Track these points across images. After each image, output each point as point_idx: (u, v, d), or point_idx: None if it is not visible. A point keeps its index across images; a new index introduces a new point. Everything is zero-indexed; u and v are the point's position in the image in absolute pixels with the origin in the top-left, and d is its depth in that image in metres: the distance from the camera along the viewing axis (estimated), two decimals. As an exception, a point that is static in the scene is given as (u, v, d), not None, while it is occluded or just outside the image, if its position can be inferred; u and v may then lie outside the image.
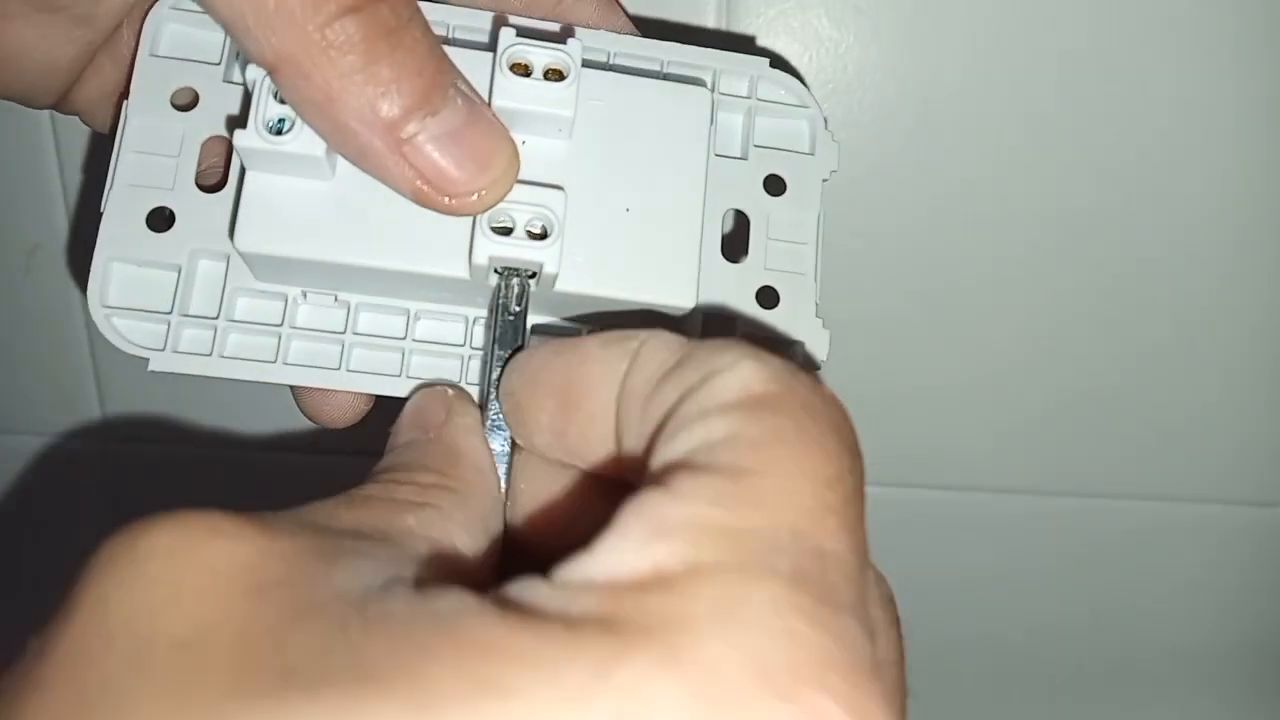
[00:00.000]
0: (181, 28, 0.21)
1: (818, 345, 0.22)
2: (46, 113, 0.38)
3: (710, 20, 0.34)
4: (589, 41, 0.21)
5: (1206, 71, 0.33)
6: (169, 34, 0.21)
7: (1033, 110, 0.34)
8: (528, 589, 0.11)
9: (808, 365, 0.22)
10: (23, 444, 0.45)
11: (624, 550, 0.11)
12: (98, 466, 0.45)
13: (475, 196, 0.18)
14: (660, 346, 0.15)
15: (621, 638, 0.10)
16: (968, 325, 0.37)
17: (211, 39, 0.21)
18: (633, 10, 0.34)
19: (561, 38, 0.19)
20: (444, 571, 0.14)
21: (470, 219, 0.18)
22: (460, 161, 0.17)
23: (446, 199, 0.18)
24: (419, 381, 0.20)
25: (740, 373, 0.13)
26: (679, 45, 0.22)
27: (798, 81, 0.23)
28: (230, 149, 0.21)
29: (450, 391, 0.19)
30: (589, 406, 0.15)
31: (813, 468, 0.13)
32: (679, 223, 0.20)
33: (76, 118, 0.24)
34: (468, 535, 0.15)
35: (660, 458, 0.13)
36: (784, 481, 0.12)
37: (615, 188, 0.19)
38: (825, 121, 0.23)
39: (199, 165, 0.21)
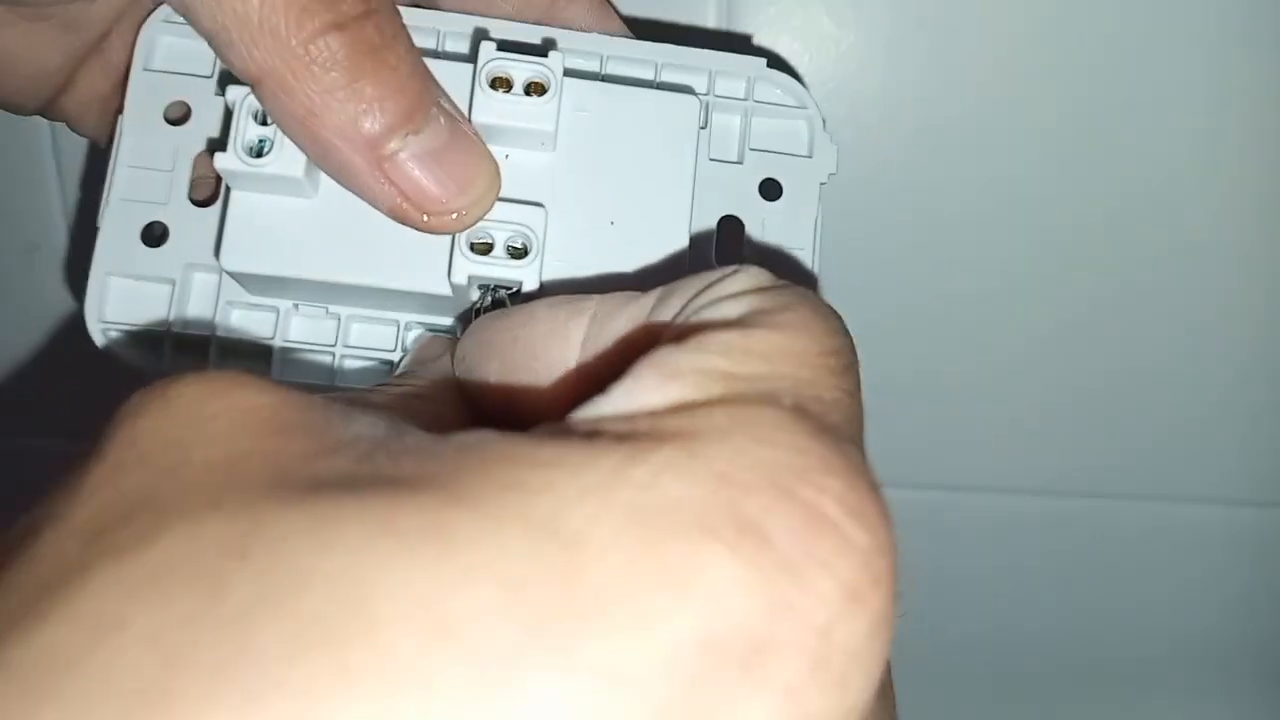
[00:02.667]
0: (174, 39, 0.21)
1: None
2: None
3: (710, 17, 0.34)
4: (580, 45, 0.21)
5: (1210, 72, 0.33)
6: (162, 46, 0.21)
7: (1036, 109, 0.34)
8: (546, 428, 0.12)
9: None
10: (23, 444, 0.45)
11: (639, 390, 0.12)
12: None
13: (454, 216, 0.18)
14: (625, 298, 0.15)
15: (639, 444, 0.11)
16: (968, 325, 0.37)
17: (203, 51, 0.21)
18: (632, 9, 0.34)
19: (543, 50, 0.19)
20: None
21: (450, 240, 0.18)
22: (441, 180, 0.17)
23: (425, 217, 0.18)
24: None
25: (745, 275, 0.14)
26: (673, 47, 0.22)
27: (795, 82, 0.23)
28: None
29: (449, 338, 0.20)
30: (535, 366, 0.15)
31: (816, 337, 0.14)
32: (665, 235, 0.19)
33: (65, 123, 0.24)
34: None
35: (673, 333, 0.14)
36: (790, 342, 0.13)
37: (599, 201, 0.19)
38: (824, 122, 0.23)
39: (192, 176, 0.21)
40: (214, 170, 0.20)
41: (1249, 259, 0.35)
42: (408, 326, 0.21)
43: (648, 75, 0.22)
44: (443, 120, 0.18)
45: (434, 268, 0.19)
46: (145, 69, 0.21)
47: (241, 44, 0.16)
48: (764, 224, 0.22)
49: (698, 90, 0.21)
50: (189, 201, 0.20)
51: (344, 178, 0.18)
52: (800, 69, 0.35)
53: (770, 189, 0.22)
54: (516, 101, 0.19)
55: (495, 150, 0.19)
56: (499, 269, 0.18)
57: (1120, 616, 0.41)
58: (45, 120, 0.36)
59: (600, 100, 0.20)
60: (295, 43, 0.16)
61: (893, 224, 0.36)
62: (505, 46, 0.19)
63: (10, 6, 0.20)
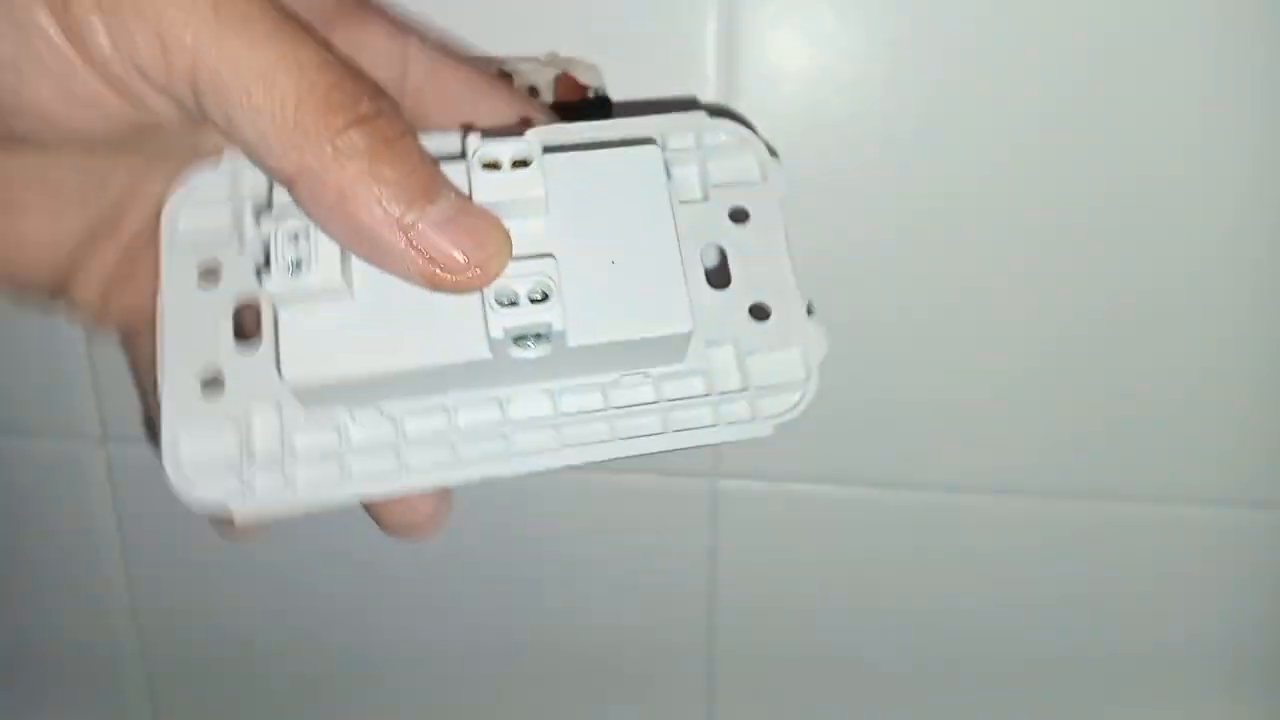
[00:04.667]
0: (193, 210, 0.23)
1: (815, 342, 0.24)
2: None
3: (712, 17, 0.34)
4: (544, 136, 0.23)
5: (1209, 73, 0.33)
6: (183, 220, 0.23)
7: (1037, 106, 0.34)
8: None
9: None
10: (23, 445, 0.45)
11: None
12: (98, 466, 0.45)
13: (478, 271, 0.20)
14: None
15: None
16: (969, 325, 0.37)
17: (219, 214, 0.23)
18: (631, 18, 0.34)
19: (520, 131, 0.22)
20: None
21: (480, 306, 0.21)
22: (460, 242, 0.20)
23: (452, 277, 0.20)
24: (472, 468, 0.23)
25: None
26: (623, 120, 0.24)
27: (735, 122, 0.25)
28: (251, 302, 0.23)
29: None
30: None
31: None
32: (660, 261, 0.22)
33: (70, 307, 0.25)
34: None
35: None
36: None
37: (597, 247, 0.22)
38: (770, 149, 0.25)
39: (234, 314, 0.23)
40: (251, 304, 0.23)
41: (1248, 259, 0.35)
42: (456, 408, 0.23)
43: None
44: (452, 194, 0.21)
45: (470, 337, 0.21)
46: (172, 243, 0.23)
47: (279, 145, 0.19)
48: (741, 246, 0.24)
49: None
50: (235, 347, 0.23)
51: (377, 255, 0.20)
52: (801, 66, 0.35)
53: (739, 215, 0.25)
54: (507, 175, 0.21)
55: None
56: (528, 316, 0.20)
57: (1119, 616, 0.41)
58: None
59: (575, 165, 0.22)
60: (324, 140, 0.19)
61: (893, 220, 0.36)
62: (488, 134, 0.22)
63: (35, 188, 0.22)
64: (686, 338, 0.22)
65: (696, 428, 0.23)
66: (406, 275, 0.20)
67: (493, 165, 0.21)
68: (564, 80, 0.35)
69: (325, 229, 0.20)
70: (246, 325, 0.23)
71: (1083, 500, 0.39)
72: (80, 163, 0.22)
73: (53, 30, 0.19)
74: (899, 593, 0.42)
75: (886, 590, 0.42)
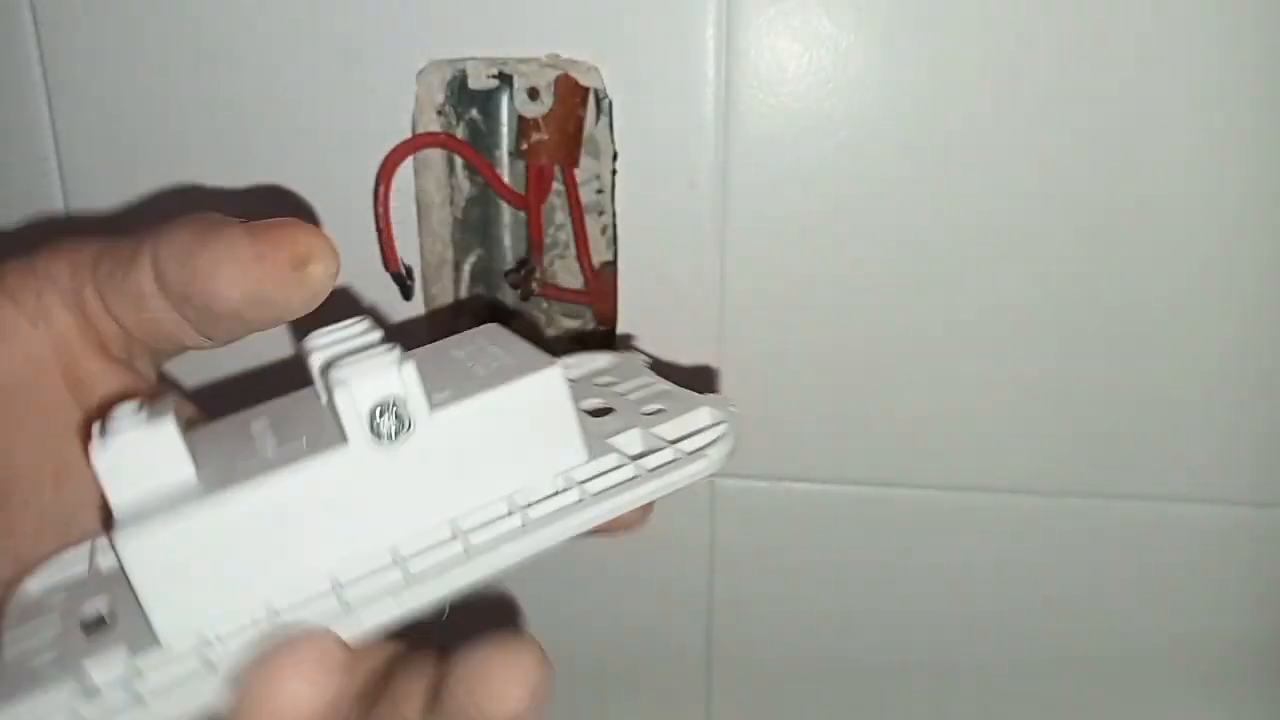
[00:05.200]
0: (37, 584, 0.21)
1: (720, 402, 0.23)
2: (46, 113, 0.38)
3: (711, 20, 0.34)
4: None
5: (1208, 73, 0.33)
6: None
7: (1033, 107, 0.34)
8: None
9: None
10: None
11: None
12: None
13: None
14: None
15: None
16: (967, 325, 0.37)
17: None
18: (632, 21, 0.34)
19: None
20: None
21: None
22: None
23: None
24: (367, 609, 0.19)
25: None
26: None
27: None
28: None
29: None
30: None
31: None
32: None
33: None
34: None
35: None
36: None
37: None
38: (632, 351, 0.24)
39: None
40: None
41: (1248, 260, 0.36)
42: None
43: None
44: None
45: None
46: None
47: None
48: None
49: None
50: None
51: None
52: (800, 69, 0.35)
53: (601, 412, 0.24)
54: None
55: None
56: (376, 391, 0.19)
57: (1119, 615, 0.41)
58: (49, 133, 0.36)
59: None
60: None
61: (892, 222, 0.36)
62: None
63: None
64: (572, 415, 0.21)
65: (620, 484, 0.21)
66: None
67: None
68: (564, 81, 0.35)
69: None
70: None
71: (1083, 500, 0.39)
72: None
73: None
74: (898, 592, 0.42)
75: (885, 589, 0.42)
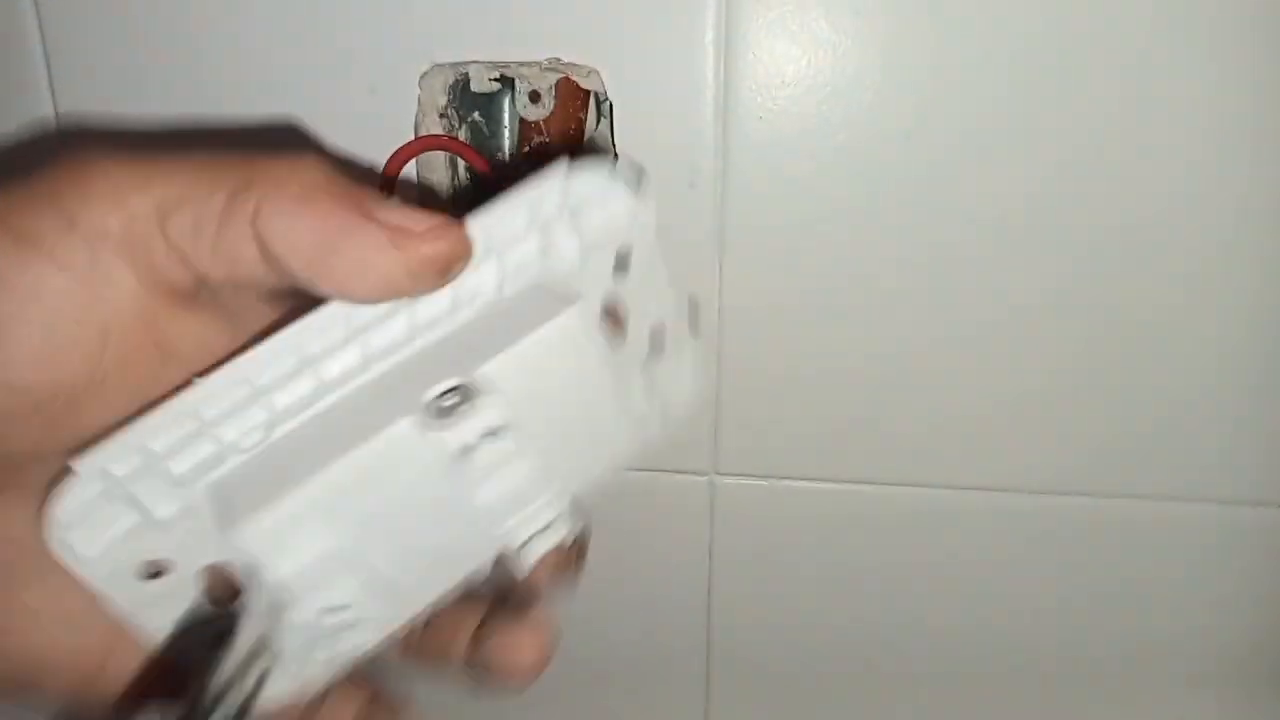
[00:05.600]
0: (82, 532, 0.20)
1: (696, 364, 0.26)
2: (48, 115, 0.38)
3: (710, 24, 0.35)
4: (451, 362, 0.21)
5: (1206, 73, 0.34)
6: (81, 546, 0.20)
7: (1028, 110, 0.34)
8: None
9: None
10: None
11: None
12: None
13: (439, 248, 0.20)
14: None
15: None
16: (965, 324, 0.37)
17: (109, 515, 0.20)
18: (632, 25, 0.35)
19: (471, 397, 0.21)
20: None
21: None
22: (414, 218, 0.20)
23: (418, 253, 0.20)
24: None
25: None
26: (495, 205, 0.22)
27: (595, 167, 0.23)
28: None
29: None
30: None
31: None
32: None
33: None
34: None
35: None
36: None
37: (554, 424, 0.22)
38: (635, 173, 0.24)
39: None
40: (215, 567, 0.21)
41: (1248, 261, 0.36)
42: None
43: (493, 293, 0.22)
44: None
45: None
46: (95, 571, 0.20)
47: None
48: (628, 295, 0.24)
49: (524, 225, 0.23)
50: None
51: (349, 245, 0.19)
52: (798, 72, 0.35)
53: (621, 263, 0.24)
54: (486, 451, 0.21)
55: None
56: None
57: (1119, 614, 0.41)
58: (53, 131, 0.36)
59: (514, 364, 0.21)
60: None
61: (889, 225, 0.36)
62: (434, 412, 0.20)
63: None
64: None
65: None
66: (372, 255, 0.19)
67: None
68: (565, 84, 0.36)
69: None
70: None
71: (1083, 500, 0.39)
72: None
73: None
74: (897, 591, 0.42)
75: (884, 589, 0.42)
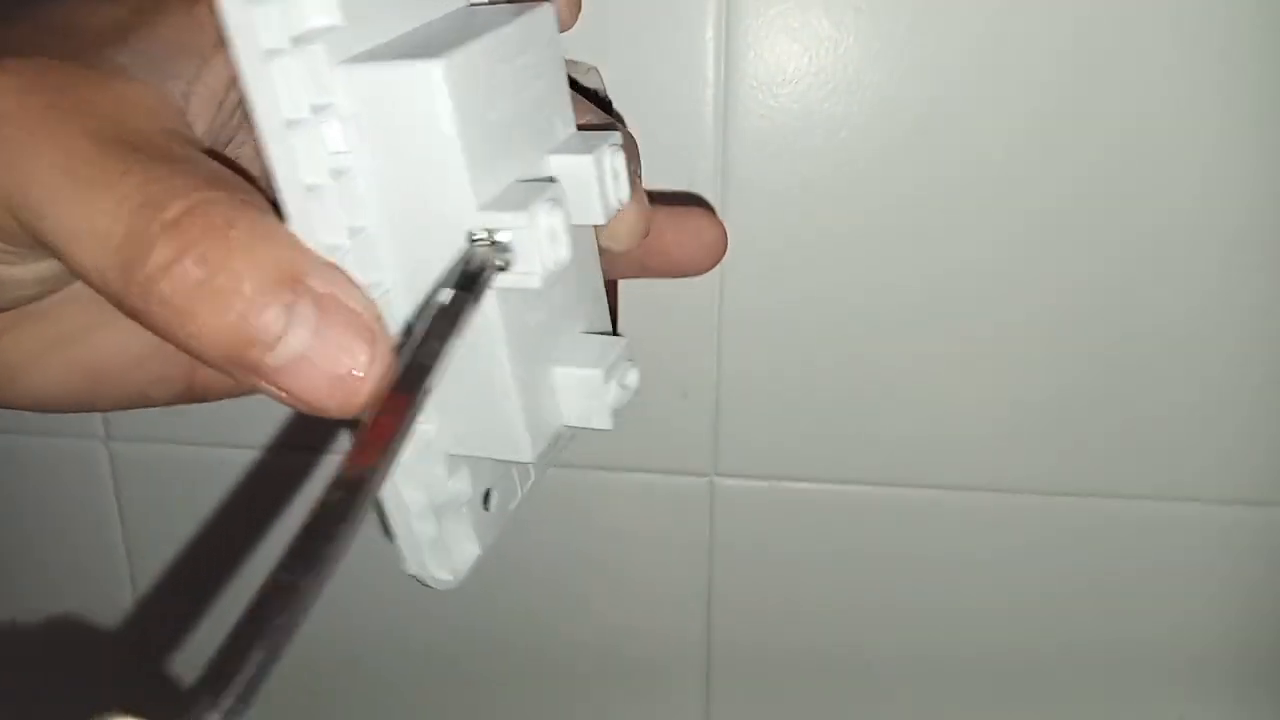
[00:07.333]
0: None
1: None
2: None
3: (710, 20, 0.34)
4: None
5: (1205, 73, 0.33)
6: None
7: (1030, 108, 0.34)
8: None
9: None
10: (23, 444, 0.45)
11: None
12: (98, 466, 0.45)
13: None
14: None
15: None
16: (966, 324, 0.37)
17: None
18: (631, 22, 0.35)
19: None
20: None
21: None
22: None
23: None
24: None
25: None
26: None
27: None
28: None
29: None
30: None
31: None
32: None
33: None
34: None
35: None
36: None
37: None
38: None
39: None
40: None
41: (1248, 261, 0.36)
42: None
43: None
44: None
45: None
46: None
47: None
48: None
49: None
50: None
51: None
52: (798, 70, 0.35)
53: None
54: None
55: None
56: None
57: (1119, 614, 0.41)
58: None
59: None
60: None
61: (890, 222, 0.36)
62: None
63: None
64: None
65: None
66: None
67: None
68: (564, 82, 0.36)
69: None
70: None
71: (1083, 499, 0.39)
72: None
73: None
74: (897, 591, 0.42)
75: (884, 589, 0.42)
